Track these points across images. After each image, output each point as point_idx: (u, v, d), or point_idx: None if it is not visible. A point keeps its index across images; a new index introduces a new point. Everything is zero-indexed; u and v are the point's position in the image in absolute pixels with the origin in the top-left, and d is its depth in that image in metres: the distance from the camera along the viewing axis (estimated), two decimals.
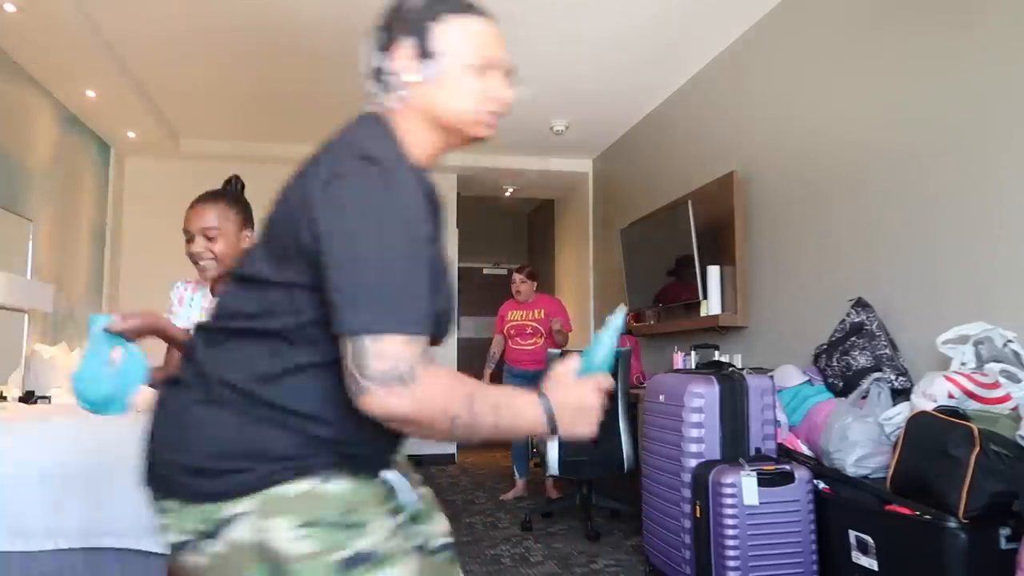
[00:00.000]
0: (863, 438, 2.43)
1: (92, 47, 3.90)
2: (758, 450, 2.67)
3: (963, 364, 2.29)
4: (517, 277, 4.91)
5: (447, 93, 1.10)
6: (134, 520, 2.38)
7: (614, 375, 3.93)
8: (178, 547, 0.97)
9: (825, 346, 2.98)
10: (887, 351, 2.73)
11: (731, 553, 2.42)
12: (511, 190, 7.23)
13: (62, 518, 2.36)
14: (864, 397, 2.61)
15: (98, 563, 2.40)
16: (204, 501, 0.94)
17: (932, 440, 2.05)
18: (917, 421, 2.16)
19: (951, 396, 2.19)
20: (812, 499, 2.49)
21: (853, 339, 2.83)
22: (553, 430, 1.02)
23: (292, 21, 3.83)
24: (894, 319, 2.80)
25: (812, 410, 2.82)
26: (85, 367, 1.62)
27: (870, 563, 2.18)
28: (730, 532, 2.43)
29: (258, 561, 0.92)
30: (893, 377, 2.65)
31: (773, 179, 3.65)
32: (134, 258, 5.88)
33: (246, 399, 0.96)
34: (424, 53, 1.09)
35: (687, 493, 2.64)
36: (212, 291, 2.04)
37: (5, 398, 3.70)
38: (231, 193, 2.04)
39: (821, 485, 2.51)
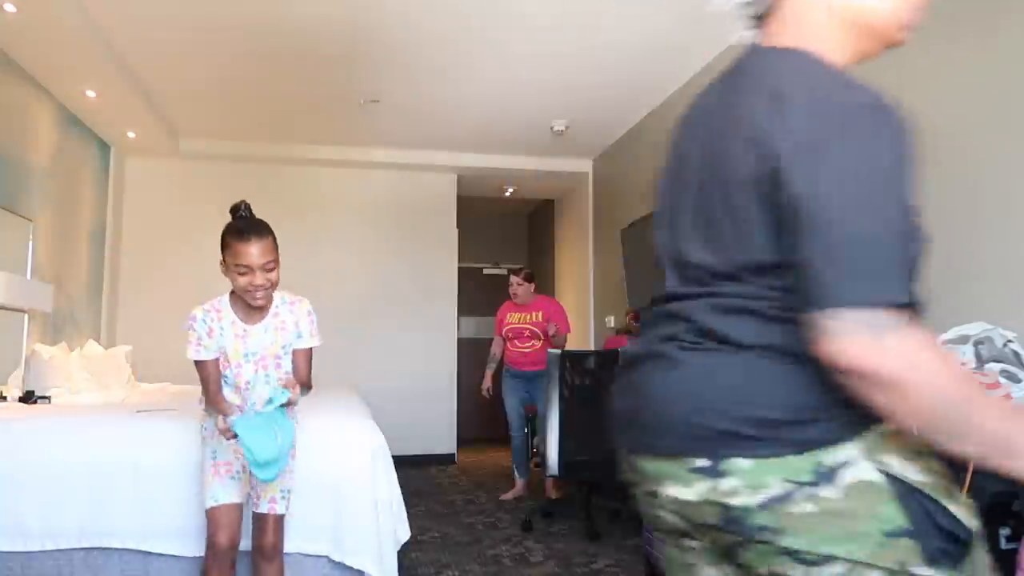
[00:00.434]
0: None
1: (92, 47, 3.90)
2: None
3: (963, 364, 2.29)
4: (514, 279, 4.90)
5: None
6: (134, 520, 2.38)
7: (612, 376, 3.92)
8: (741, 511, 0.90)
9: None
10: None
11: None
12: (511, 190, 7.23)
13: (62, 518, 2.36)
14: None
15: (98, 563, 2.40)
16: (800, 451, 0.89)
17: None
18: None
19: None
20: None
21: None
22: None
23: (292, 21, 3.83)
24: None
25: None
26: (266, 440, 1.91)
27: None
28: None
29: (888, 497, 0.88)
30: None
31: None
32: (134, 258, 5.88)
33: (792, 357, 0.91)
34: None
35: None
36: (248, 318, 2.07)
37: (5, 398, 3.70)
38: (262, 222, 2.11)
39: None
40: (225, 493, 2.05)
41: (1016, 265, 2.31)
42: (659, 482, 0.99)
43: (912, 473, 0.91)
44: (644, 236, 4.82)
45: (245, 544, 2.16)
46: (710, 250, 0.99)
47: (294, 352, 2.14)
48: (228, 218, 2.11)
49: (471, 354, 7.55)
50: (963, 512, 0.91)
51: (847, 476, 0.88)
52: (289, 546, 2.44)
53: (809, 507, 0.88)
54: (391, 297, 6.41)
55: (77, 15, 3.60)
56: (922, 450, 0.93)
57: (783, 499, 0.89)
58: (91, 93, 4.53)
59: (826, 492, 0.88)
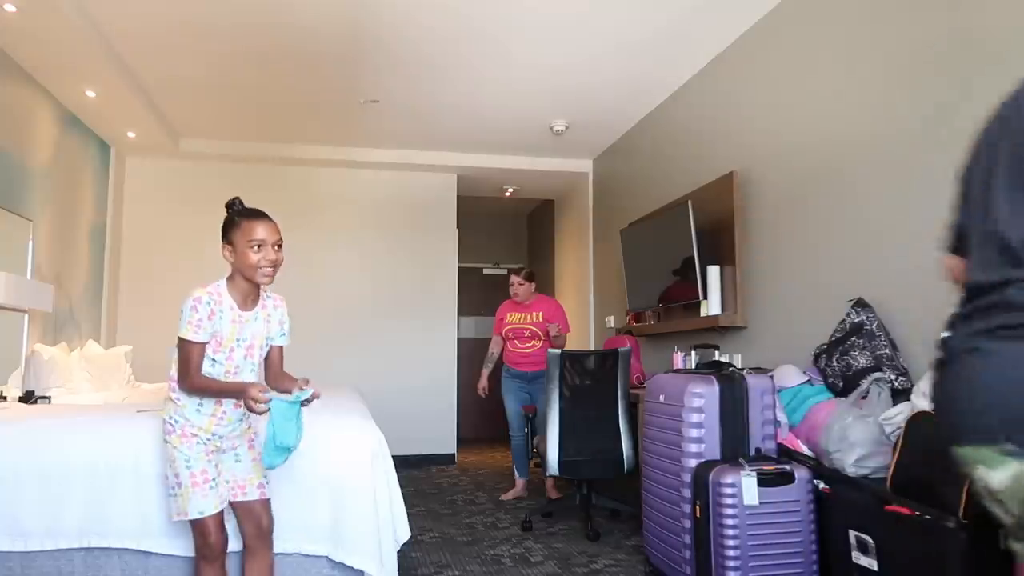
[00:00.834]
0: (863, 438, 2.43)
1: (92, 47, 3.90)
2: (758, 450, 2.67)
3: None
4: (515, 279, 4.89)
5: None
6: (134, 520, 2.38)
7: (612, 375, 3.93)
8: None
9: (825, 346, 2.98)
10: (887, 351, 2.73)
11: (731, 553, 2.42)
12: (511, 190, 7.23)
13: (62, 518, 2.36)
14: (864, 397, 2.61)
15: (98, 563, 2.40)
16: None
17: (932, 440, 2.05)
18: (917, 421, 2.16)
19: None
20: (812, 499, 2.49)
21: (853, 339, 2.83)
22: None
23: (292, 21, 3.83)
24: (894, 319, 2.80)
25: (812, 410, 2.82)
26: (290, 427, 2.03)
27: (870, 563, 2.18)
28: (730, 532, 2.43)
29: None
30: (893, 377, 2.66)
31: (773, 179, 3.65)
32: (134, 258, 5.88)
33: None
34: None
35: (687, 493, 2.64)
36: (243, 305, 2.12)
37: (5, 398, 3.70)
38: None
39: (821, 485, 2.51)
40: (208, 504, 2.06)
41: None
42: (973, 468, 1.05)
43: None
44: (644, 236, 4.82)
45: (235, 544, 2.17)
46: None
47: (272, 348, 2.21)
48: None
49: (471, 354, 7.55)
50: None
51: None
52: (289, 546, 2.44)
53: None
54: (391, 297, 6.41)
55: (77, 15, 3.60)
56: None
57: None
58: (91, 93, 4.53)
59: None
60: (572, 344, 5.10)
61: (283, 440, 2.01)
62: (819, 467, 2.59)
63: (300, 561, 2.47)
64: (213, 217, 6.76)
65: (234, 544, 2.21)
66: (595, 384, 3.94)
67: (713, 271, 3.99)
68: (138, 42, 4.06)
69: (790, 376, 3.04)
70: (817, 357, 3.02)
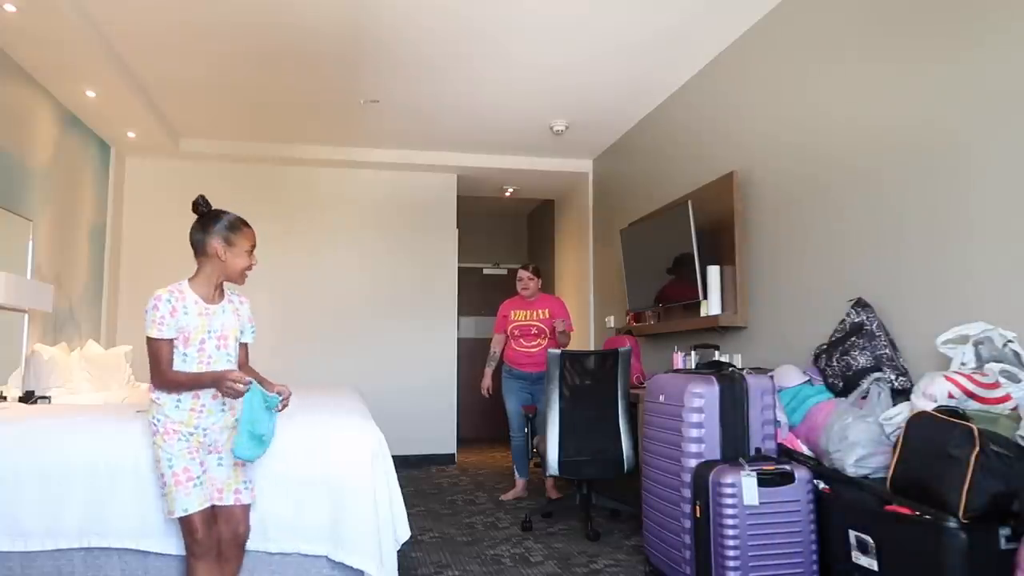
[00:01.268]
0: (863, 438, 2.43)
1: (92, 47, 3.90)
2: (758, 450, 2.67)
3: (963, 364, 2.29)
4: (524, 274, 4.84)
5: None
6: (134, 520, 2.38)
7: (612, 375, 3.93)
8: None
9: (825, 346, 2.98)
10: (887, 351, 2.73)
11: (731, 553, 2.42)
12: (511, 190, 7.23)
13: (62, 518, 2.36)
14: (864, 397, 2.61)
15: (98, 563, 2.40)
16: None
17: (932, 440, 2.05)
18: (917, 421, 2.16)
19: (951, 396, 2.19)
20: (812, 499, 2.49)
21: (853, 339, 2.83)
22: None
23: (292, 22, 3.83)
24: (894, 319, 2.80)
25: (812, 410, 2.82)
26: (265, 419, 2.11)
27: (870, 563, 2.18)
28: (730, 532, 2.43)
29: None
30: (893, 377, 2.66)
31: (773, 179, 3.65)
32: (134, 258, 5.88)
33: None
34: None
35: (687, 493, 2.64)
36: (208, 299, 2.22)
37: (5, 398, 3.70)
38: None
39: (821, 485, 2.51)
40: (192, 501, 2.11)
41: (1016, 265, 2.31)
42: None
43: None
44: (644, 236, 4.82)
45: None
46: None
47: (240, 345, 2.31)
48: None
49: (471, 354, 7.55)
50: None
51: None
52: (288, 546, 2.44)
53: None
54: (391, 297, 6.41)
55: (77, 15, 3.60)
56: None
57: None
58: (91, 93, 4.53)
59: None
60: (572, 344, 5.09)
61: (259, 428, 2.07)
62: (819, 467, 2.59)
63: (300, 561, 2.47)
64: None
65: None
66: (595, 384, 3.94)
67: (713, 271, 3.99)
68: (138, 42, 4.06)
69: (790, 376, 3.04)
70: (817, 357, 3.02)
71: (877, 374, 2.65)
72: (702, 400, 2.67)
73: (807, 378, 3.01)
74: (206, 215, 2.21)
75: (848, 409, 2.56)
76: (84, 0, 3.58)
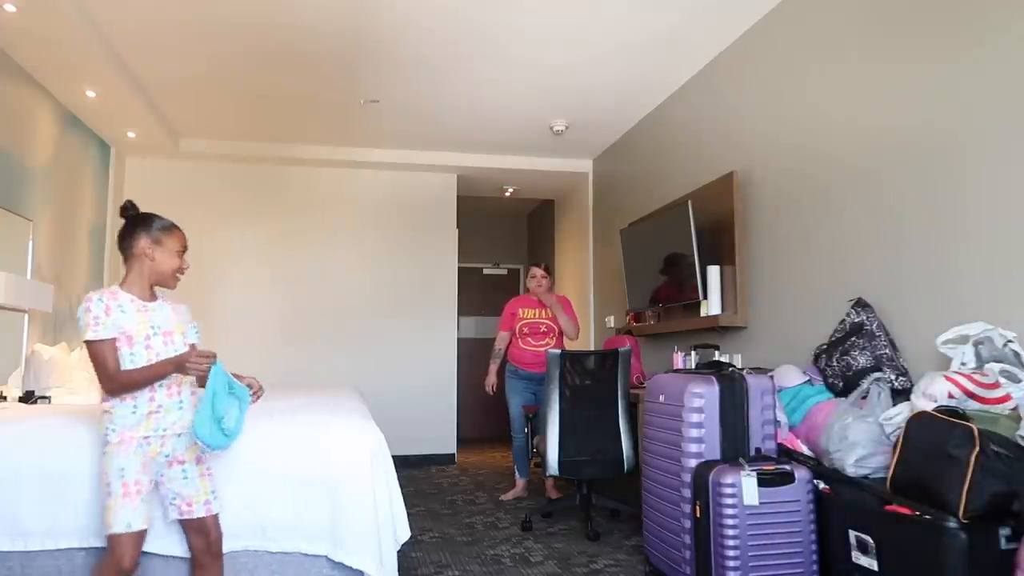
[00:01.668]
0: (863, 438, 2.43)
1: (92, 47, 3.90)
2: (758, 450, 2.67)
3: (963, 364, 2.29)
4: (538, 272, 4.79)
5: None
6: None
7: (612, 375, 3.93)
8: None
9: (825, 346, 2.98)
10: (887, 351, 2.73)
11: (731, 553, 2.42)
12: (511, 190, 7.23)
13: (62, 518, 2.36)
14: (864, 397, 2.61)
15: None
16: None
17: (932, 440, 2.05)
18: (917, 421, 2.16)
19: (951, 396, 2.19)
20: (812, 499, 2.49)
21: (853, 339, 2.83)
22: None
23: (292, 22, 3.83)
24: (894, 319, 2.80)
25: (812, 410, 2.82)
26: (229, 405, 2.12)
27: (870, 563, 2.18)
28: (730, 532, 2.43)
29: None
30: (893, 377, 2.66)
31: (773, 179, 3.65)
32: None
33: None
34: None
35: (687, 493, 2.64)
36: (143, 297, 2.19)
37: (5, 398, 3.70)
38: None
39: (821, 485, 2.51)
40: (137, 518, 2.03)
41: (1016, 265, 2.31)
42: None
43: None
44: (644, 236, 4.82)
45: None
46: None
47: (190, 345, 2.26)
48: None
49: (471, 354, 7.55)
50: None
51: None
52: (288, 546, 2.44)
53: None
54: (391, 297, 6.41)
55: (77, 15, 3.60)
56: None
57: None
58: (91, 93, 4.53)
59: None
60: (572, 344, 5.09)
61: (220, 408, 2.05)
62: (819, 467, 2.59)
63: (300, 561, 2.47)
64: (213, 217, 6.77)
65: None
66: (595, 384, 3.94)
67: (713, 271, 3.99)
68: (138, 42, 4.06)
69: (790, 376, 3.04)
70: (817, 357, 3.02)
71: (877, 374, 2.65)
72: (702, 400, 2.67)
73: (807, 378, 3.01)
74: (135, 218, 2.19)
75: (848, 409, 2.56)
76: (84, 0, 3.58)
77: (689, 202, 4.10)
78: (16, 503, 2.34)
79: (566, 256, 7.28)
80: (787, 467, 2.51)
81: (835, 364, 2.88)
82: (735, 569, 2.42)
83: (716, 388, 2.68)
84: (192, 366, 2.06)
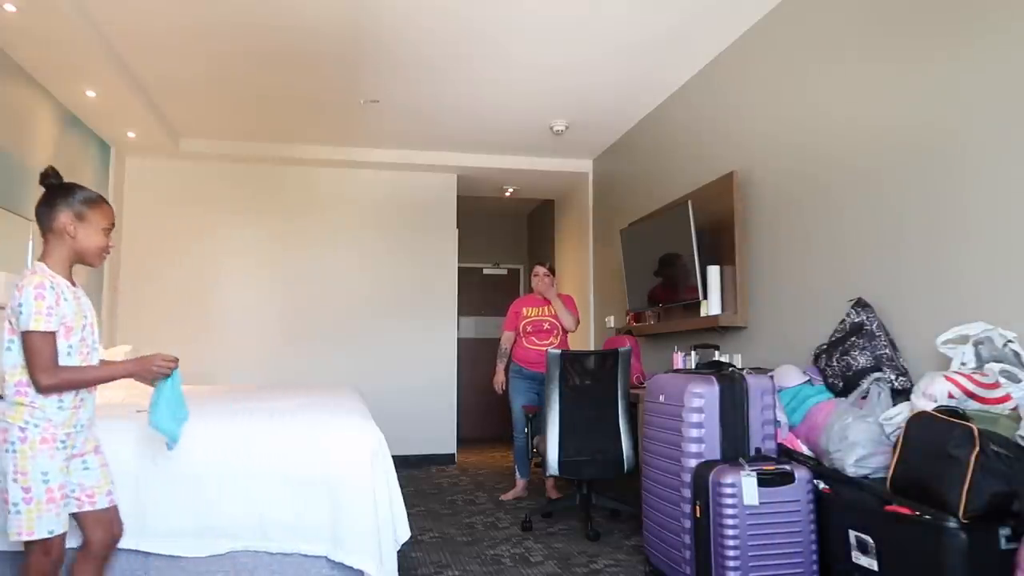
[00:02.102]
0: (863, 438, 2.43)
1: (92, 47, 3.90)
2: (758, 450, 2.67)
3: (963, 364, 2.29)
4: (542, 271, 4.82)
5: None
6: (134, 520, 2.38)
7: (612, 375, 3.93)
8: None
9: (825, 346, 2.98)
10: (887, 351, 2.73)
11: (731, 553, 2.42)
12: (511, 190, 7.23)
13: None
14: (864, 397, 2.61)
15: None
16: None
17: (932, 440, 2.05)
18: (917, 421, 2.16)
19: (951, 396, 2.19)
20: (812, 499, 2.49)
21: (853, 339, 2.83)
22: None
23: (292, 22, 3.83)
24: (894, 319, 2.80)
25: (812, 410, 2.82)
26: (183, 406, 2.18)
27: (870, 563, 2.18)
28: (730, 532, 2.43)
29: None
30: (893, 377, 2.66)
31: (773, 179, 3.65)
32: (134, 258, 5.88)
33: None
34: None
35: (687, 493, 2.64)
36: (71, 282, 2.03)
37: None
38: None
39: (821, 485, 2.51)
40: (59, 522, 1.92)
41: (1016, 265, 2.31)
42: None
43: None
44: (644, 236, 4.82)
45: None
46: None
47: None
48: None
49: (471, 354, 7.55)
50: None
51: None
52: (288, 546, 2.44)
53: None
54: (391, 297, 6.41)
55: (77, 15, 3.60)
56: None
57: None
58: (91, 93, 4.53)
59: None
60: (572, 344, 5.09)
61: (181, 411, 2.14)
62: (819, 467, 2.59)
63: (300, 561, 2.47)
64: (213, 217, 6.77)
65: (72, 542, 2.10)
66: (595, 384, 3.94)
67: (713, 271, 3.99)
68: (138, 42, 4.06)
69: (790, 376, 3.04)
70: (817, 357, 3.02)
71: (877, 374, 2.65)
72: (702, 400, 2.67)
73: (807, 378, 3.01)
74: (56, 187, 1.97)
75: (848, 409, 2.56)
76: (84, 0, 3.58)
77: (689, 202, 4.10)
78: None
79: (566, 256, 7.28)
80: (787, 467, 2.51)
81: (835, 364, 2.88)
82: (735, 569, 2.42)
83: (716, 388, 2.68)
84: (160, 369, 2.01)
